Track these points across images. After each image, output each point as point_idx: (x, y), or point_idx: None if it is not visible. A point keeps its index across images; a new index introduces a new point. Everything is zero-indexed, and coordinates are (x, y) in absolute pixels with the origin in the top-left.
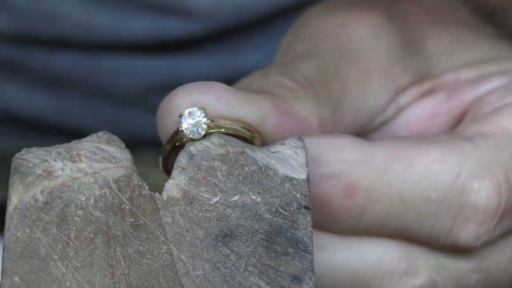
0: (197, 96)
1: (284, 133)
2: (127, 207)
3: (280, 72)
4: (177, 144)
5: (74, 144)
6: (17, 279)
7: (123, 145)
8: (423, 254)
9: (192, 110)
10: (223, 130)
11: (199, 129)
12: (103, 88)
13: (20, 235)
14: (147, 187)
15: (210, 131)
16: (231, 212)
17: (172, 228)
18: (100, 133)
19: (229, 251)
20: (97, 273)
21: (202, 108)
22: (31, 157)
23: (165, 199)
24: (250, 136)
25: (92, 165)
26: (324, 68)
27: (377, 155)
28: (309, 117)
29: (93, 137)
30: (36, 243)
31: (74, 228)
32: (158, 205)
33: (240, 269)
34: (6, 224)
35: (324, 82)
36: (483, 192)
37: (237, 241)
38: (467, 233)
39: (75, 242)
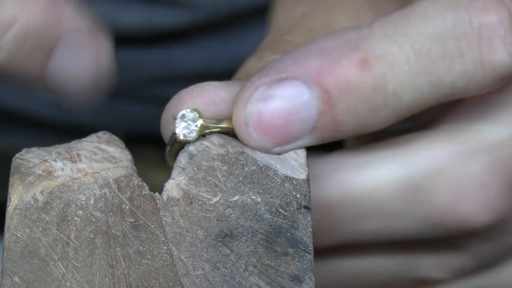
0: (190, 101)
1: None
2: (127, 207)
3: (272, 51)
4: (175, 145)
5: (74, 144)
6: (17, 279)
7: (123, 145)
8: None
9: (185, 112)
10: (217, 130)
11: (192, 133)
12: None
13: (20, 235)
14: (147, 187)
15: (204, 131)
16: (231, 212)
17: (172, 228)
18: (100, 133)
19: (229, 251)
20: (97, 273)
21: (196, 110)
22: (31, 157)
23: (165, 199)
24: None
25: (92, 165)
26: (312, 26)
27: (377, 25)
28: None
29: (93, 137)
30: (36, 243)
31: (74, 228)
32: (158, 205)
33: (240, 269)
34: (6, 224)
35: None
36: (491, 12)
37: (237, 241)
38: (498, 54)
39: (75, 242)
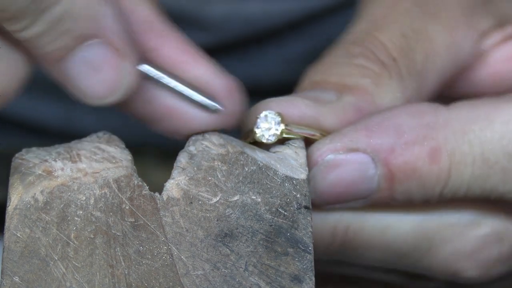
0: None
1: None
2: (127, 207)
3: (362, 51)
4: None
5: (74, 144)
6: (17, 279)
7: (123, 145)
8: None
9: (269, 113)
10: (298, 136)
11: (272, 136)
12: None
13: (20, 235)
14: (147, 187)
15: (283, 135)
16: (231, 212)
17: (172, 228)
18: (100, 133)
19: (229, 251)
20: (97, 273)
21: (279, 114)
22: (31, 157)
23: (165, 199)
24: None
25: (92, 165)
26: (408, 32)
27: (457, 117)
28: (393, 103)
29: (93, 137)
30: (36, 243)
31: (74, 228)
32: (158, 205)
33: (240, 269)
34: (6, 224)
35: (408, 50)
36: None
37: (237, 241)
38: None
39: (75, 242)
